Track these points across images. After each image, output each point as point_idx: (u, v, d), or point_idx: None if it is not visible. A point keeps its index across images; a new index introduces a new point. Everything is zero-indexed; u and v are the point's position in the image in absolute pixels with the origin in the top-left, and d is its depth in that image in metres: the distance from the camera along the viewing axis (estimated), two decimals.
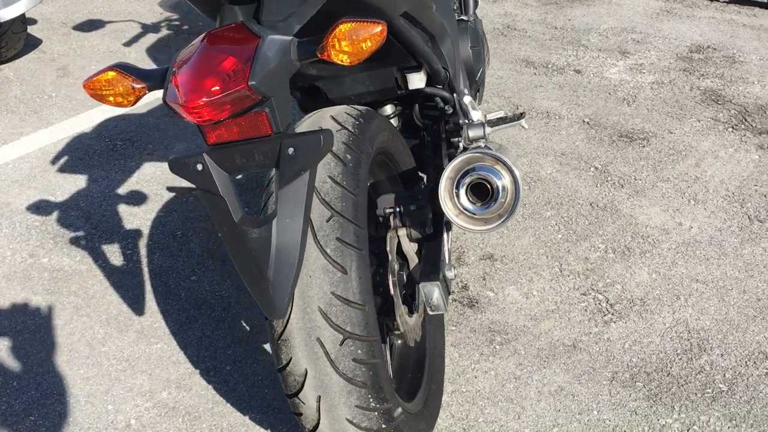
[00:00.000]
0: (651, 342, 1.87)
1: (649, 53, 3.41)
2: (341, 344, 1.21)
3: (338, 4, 1.22)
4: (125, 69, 1.11)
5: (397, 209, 1.45)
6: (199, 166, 1.08)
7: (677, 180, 2.49)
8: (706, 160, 2.60)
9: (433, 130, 1.72)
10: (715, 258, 2.14)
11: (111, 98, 1.13)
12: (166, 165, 2.62)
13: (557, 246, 2.21)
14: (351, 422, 1.25)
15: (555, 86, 3.13)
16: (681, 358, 1.82)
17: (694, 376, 1.77)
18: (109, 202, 2.43)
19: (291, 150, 1.06)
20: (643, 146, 2.69)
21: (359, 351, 1.22)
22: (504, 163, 1.32)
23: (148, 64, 3.41)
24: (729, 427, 1.64)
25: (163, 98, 1.05)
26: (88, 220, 2.35)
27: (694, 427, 1.65)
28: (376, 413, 1.25)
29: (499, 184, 1.31)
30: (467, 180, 1.31)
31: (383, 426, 1.27)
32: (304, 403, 1.25)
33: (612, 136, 2.76)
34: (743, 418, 1.66)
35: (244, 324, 1.96)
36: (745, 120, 2.85)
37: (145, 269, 2.14)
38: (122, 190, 2.49)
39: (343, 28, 1.03)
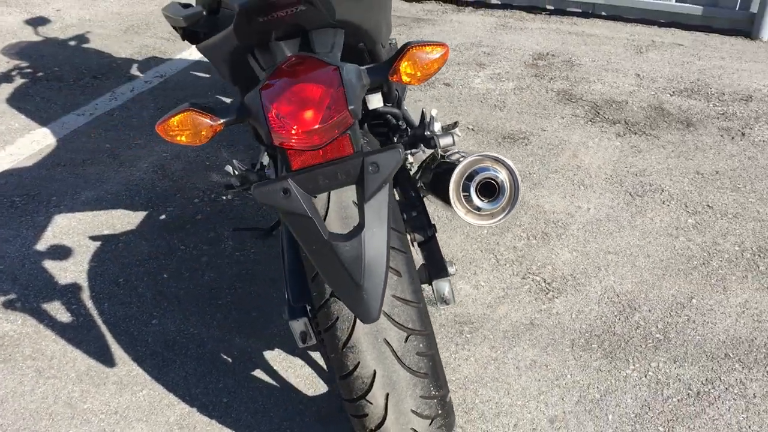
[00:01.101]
0: (591, 309, 2.14)
1: (502, 63, 3.79)
2: (406, 341, 1.32)
3: (348, 35, 1.34)
4: (199, 107, 1.14)
5: (404, 216, 1.58)
6: (285, 192, 1.14)
7: (564, 170, 2.82)
8: (580, 151, 2.96)
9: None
10: (616, 231, 2.47)
11: (183, 138, 1.15)
12: (80, 215, 2.51)
13: (486, 240, 2.43)
14: (415, 413, 1.36)
15: (432, 99, 3.39)
16: (619, 319, 2.11)
17: (635, 331, 2.06)
18: (31, 260, 2.30)
19: (373, 166, 1.15)
20: (526, 144, 3.01)
21: (421, 345, 1.33)
22: (502, 162, 1.49)
23: (14, 116, 3.21)
24: (675, 367, 1.94)
25: (267, 136, 1.10)
26: (15, 282, 2.20)
27: (649, 372, 1.93)
28: (435, 400, 1.37)
29: (502, 180, 1.48)
30: (476, 180, 1.47)
31: (439, 411, 1.39)
32: (371, 403, 1.34)
33: (497, 138, 3.06)
34: (683, 358, 1.97)
35: (225, 356, 1.96)
36: (598, 113, 3.28)
37: (99, 321, 2.06)
38: (41, 246, 2.36)
39: (413, 52, 1.15)
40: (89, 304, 2.13)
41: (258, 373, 1.91)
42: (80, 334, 2.02)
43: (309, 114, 1.10)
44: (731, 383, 1.89)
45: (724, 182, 2.76)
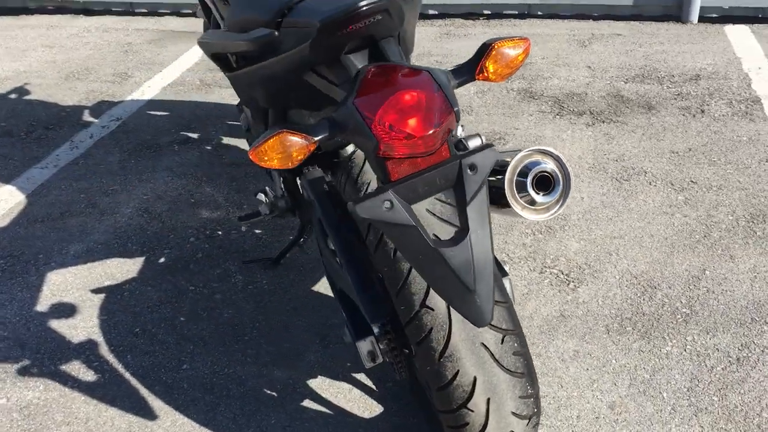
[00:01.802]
0: (615, 294, 2.18)
1: None
2: (502, 342, 1.30)
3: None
4: (291, 128, 1.10)
5: None
6: (388, 203, 1.11)
7: None
8: (557, 144, 3.03)
9: None
10: (615, 216, 2.53)
11: (275, 161, 1.11)
12: (74, 270, 2.39)
13: (495, 241, 2.44)
14: (515, 414, 1.35)
15: None
16: (643, 299, 2.15)
17: (661, 308, 2.11)
18: (35, 322, 2.16)
19: (471, 168, 1.14)
20: (504, 144, 3.06)
21: (515, 344, 1.32)
22: (550, 153, 1.50)
23: None
24: (709, 338, 1.99)
25: (372, 147, 1.07)
26: (24, 347, 2.07)
27: (687, 346, 1.98)
28: (531, 399, 1.36)
29: (555, 171, 1.49)
30: (532, 174, 1.48)
31: (535, 410, 1.38)
32: (472, 410, 1.32)
33: None
34: (714, 328, 2.03)
35: (269, 391, 1.90)
36: (563, 107, 3.36)
37: (127, 375, 1.96)
38: (42, 307, 2.23)
39: (498, 49, 1.15)
40: (111, 358, 2.02)
41: (308, 404, 1.86)
42: (111, 391, 1.91)
43: (419, 120, 1.08)
44: (765, 345, 1.96)
45: (699, 158, 2.87)
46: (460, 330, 1.28)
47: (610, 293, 2.18)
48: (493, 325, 1.29)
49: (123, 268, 2.39)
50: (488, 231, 1.15)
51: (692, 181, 2.72)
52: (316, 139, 1.11)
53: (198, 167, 2.99)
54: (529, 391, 1.35)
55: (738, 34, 4.07)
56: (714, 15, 4.29)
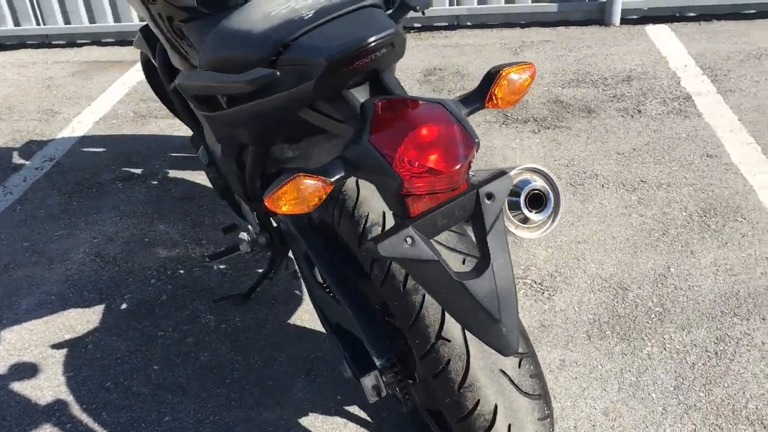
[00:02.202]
0: (589, 299, 2.21)
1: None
2: (519, 366, 1.29)
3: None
4: (306, 171, 1.06)
5: None
6: (409, 240, 1.08)
7: None
8: (508, 154, 3.07)
9: None
10: (576, 221, 2.58)
11: (288, 206, 1.06)
12: (28, 326, 2.25)
13: None
14: None
15: None
16: (616, 301, 2.20)
17: (636, 309, 2.16)
18: None
19: (489, 197, 1.12)
20: None
21: (531, 366, 1.31)
22: (538, 171, 1.52)
23: None
24: (685, 334, 2.05)
25: (393, 185, 1.03)
26: None
27: (666, 345, 2.02)
28: (548, 420, 1.35)
29: (547, 189, 1.50)
30: (525, 193, 1.48)
31: (551, 429, 1.37)
32: None
33: None
34: (688, 324, 2.09)
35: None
36: (507, 116, 3.41)
37: None
38: (0, 370, 2.08)
39: (506, 75, 1.14)
40: (84, 418, 1.91)
41: None
42: None
43: (444, 155, 1.05)
44: (738, 337, 2.03)
45: (644, 157, 2.96)
46: (478, 359, 1.27)
47: (585, 299, 2.22)
48: None
49: (83, 319, 2.27)
50: (509, 259, 1.14)
51: (642, 181, 2.80)
52: (332, 180, 1.07)
53: (147, 204, 2.87)
54: (546, 411, 1.35)
55: (659, 33, 4.23)
56: (634, 17, 4.46)
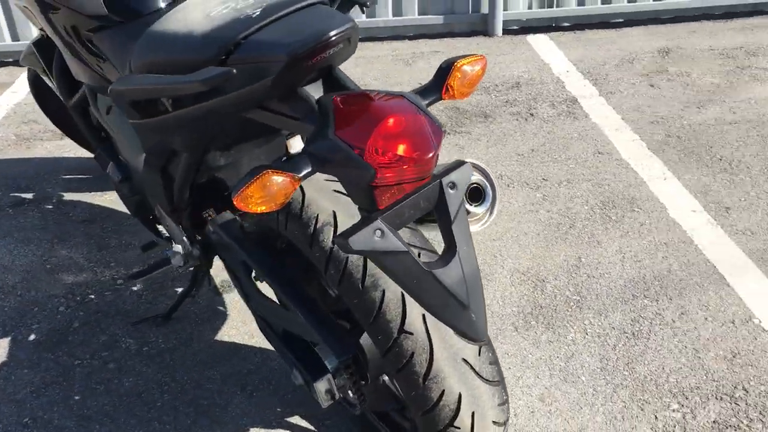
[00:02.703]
0: (511, 293, 2.29)
1: None
2: (480, 354, 1.32)
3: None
4: (274, 167, 1.03)
5: None
6: (379, 233, 1.08)
7: None
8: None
9: None
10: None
11: (262, 204, 1.03)
12: None
13: None
14: (495, 423, 1.37)
15: None
16: (536, 293, 2.29)
17: (556, 299, 2.26)
18: None
19: (451, 186, 1.14)
20: None
21: (489, 354, 1.35)
22: (476, 166, 1.56)
23: None
24: (603, 319, 2.16)
25: (364, 176, 1.02)
26: None
27: (588, 330, 2.13)
28: (506, 405, 1.39)
29: (484, 182, 1.55)
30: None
31: (508, 415, 1.41)
32: (458, 427, 1.32)
33: None
34: (605, 309, 2.20)
35: None
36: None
37: None
38: None
39: (460, 67, 1.16)
40: None
41: None
42: None
43: (417, 144, 1.06)
44: (651, 317, 2.16)
45: (543, 157, 3.11)
46: (441, 349, 1.28)
47: (507, 293, 2.29)
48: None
49: None
50: (473, 246, 1.17)
51: (544, 179, 2.93)
52: (300, 176, 1.06)
53: (44, 229, 2.70)
54: (504, 397, 1.38)
55: (540, 42, 4.46)
56: (515, 27, 4.67)
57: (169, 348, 2.11)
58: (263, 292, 1.63)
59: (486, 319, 1.18)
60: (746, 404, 1.86)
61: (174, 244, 1.73)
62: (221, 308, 2.26)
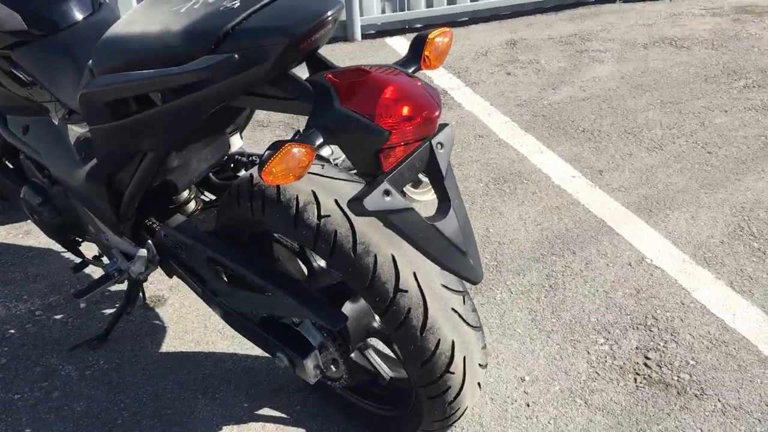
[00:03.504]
0: None
1: None
2: (464, 302, 1.45)
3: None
4: (291, 141, 1.09)
5: None
6: (387, 193, 1.17)
7: None
8: None
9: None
10: None
11: (287, 178, 1.09)
12: None
13: None
14: (480, 365, 1.51)
15: None
16: None
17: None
18: None
19: (440, 146, 1.25)
20: None
21: (470, 301, 1.48)
22: None
23: None
24: (521, 277, 2.37)
25: (385, 139, 1.11)
26: None
27: (511, 289, 2.33)
28: (486, 349, 1.53)
29: None
30: None
31: (488, 358, 1.56)
32: (453, 373, 1.44)
33: None
34: (521, 268, 2.42)
35: None
36: (293, 128, 3.56)
37: None
38: None
39: (432, 40, 1.28)
40: None
41: None
42: None
43: (426, 103, 1.16)
44: (562, 270, 2.41)
45: None
46: (433, 302, 1.40)
47: None
48: (455, 290, 1.43)
49: None
50: (461, 199, 1.29)
51: None
52: (315, 146, 1.13)
53: None
54: (485, 341, 1.53)
55: (398, 44, 4.70)
56: (372, 31, 4.88)
57: (114, 367, 2.06)
58: (231, 285, 1.66)
59: (480, 262, 1.31)
60: (658, 329, 2.13)
61: (140, 250, 1.71)
62: (158, 322, 2.23)
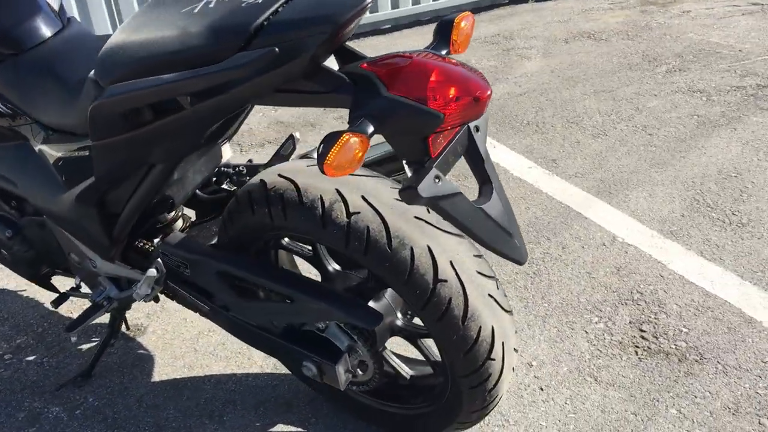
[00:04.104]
0: None
1: None
2: (498, 288, 1.45)
3: None
4: (345, 130, 1.05)
5: None
6: (438, 179, 1.15)
7: None
8: None
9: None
10: None
11: (347, 169, 1.05)
12: None
13: None
14: (515, 350, 1.51)
15: None
16: None
17: None
18: None
19: (476, 129, 1.24)
20: None
21: (501, 286, 1.48)
22: None
23: None
24: (505, 268, 2.40)
25: (438, 122, 1.08)
26: None
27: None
28: (516, 333, 1.54)
29: None
30: None
31: (518, 343, 1.56)
32: (494, 359, 1.43)
33: None
34: (501, 258, 2.44)
35: None
36: (241, 144, 3.48)
37: None
38: None
39: (458, 23, 1.26)
40: None
41: None
42: None
43: (476, 83, 1.14)
44: (541, 257, 2.45)
45: None
46: (471, 289, 1.39)
47: None
48: (488, 275, 1.43)
49: None
50: (500, 181, 1.29)
51: None
52: (368, 135, 1.10)
53: None
54: (516, 325, 1.53)
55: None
56: None
57: (105, 403, 1.94)
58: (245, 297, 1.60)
59: (524, 242, 1.31)
60: (645, 302, 2.20)
61: (149, 270, 1.61)
62: (142, 351, 2.12)
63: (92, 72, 1.39)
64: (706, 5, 5.21)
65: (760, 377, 1.89)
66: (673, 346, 2.01)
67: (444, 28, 1.29)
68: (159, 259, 1.61)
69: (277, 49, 1.15)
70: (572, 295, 2.24)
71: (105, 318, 2.22)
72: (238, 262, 1.54)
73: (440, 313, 1.37)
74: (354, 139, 1.08)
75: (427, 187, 1.15)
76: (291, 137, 1.79)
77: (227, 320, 1.64)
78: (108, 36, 1.67)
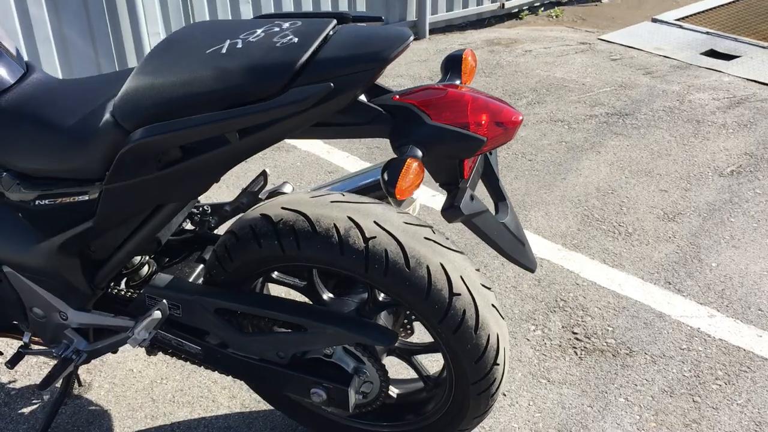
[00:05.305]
0: None
1: None
2: (495, 297, 1.58)
3: None
4: (405, 157, 1.13)
5: None
6: (472, 197, 1.26)
7: None
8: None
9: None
10: None
11: (412, 191, 1.13)
12: None
13: None
14: (511, 354, 1.64)
15: None
16: None
17: None
18: None
19: (490, 152, 1.37)
20: None
21: (495, 296, 1.61)
22: None
23: None
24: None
25: (479, 146, 1.18)
26: None
27: None
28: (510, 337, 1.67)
29: None
30: None
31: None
32: (499, 364, 1.55)
33: None
34: None
35: None
36: None
37: None
38: None
39: (465, 56, 1.38)
40: None
41: None
42: None
43: (509, 110, 1.25)
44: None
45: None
46: (479, 300, 1.50)
47: None
48: (488, 287, 1.55)
49: None
50: (509, 198, 1.43)
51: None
52: (421, 159, 1.19)
53: None
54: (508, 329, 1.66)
55: None
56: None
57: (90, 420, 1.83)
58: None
59: (533, 251, 1.46)
60: (570, 308, 2.43)
61: (154, 311, 1.56)
62: (95, 407, 2.02)
63: (106, 116, 1.36)
64: (543, 45, 5.78)
65: (683, 362, 2.16)
66: (605, 344, 2.25)
67: (454, 61, 1.42)
68: (164, 300, 1.58)
69: (332, 84, 1.22)
70: (506, 308, 2.42)
71: (25, 378, 2.08)
72: (240, 297, 1.55)
73: (456, 325, 1.47)
74: (415, 164, 1.17)
75: (466, 205, 1.26)
76: (263, 173, 1.83)
77: (224, 359, 1.63)
78: (74, 78, 1.64)
